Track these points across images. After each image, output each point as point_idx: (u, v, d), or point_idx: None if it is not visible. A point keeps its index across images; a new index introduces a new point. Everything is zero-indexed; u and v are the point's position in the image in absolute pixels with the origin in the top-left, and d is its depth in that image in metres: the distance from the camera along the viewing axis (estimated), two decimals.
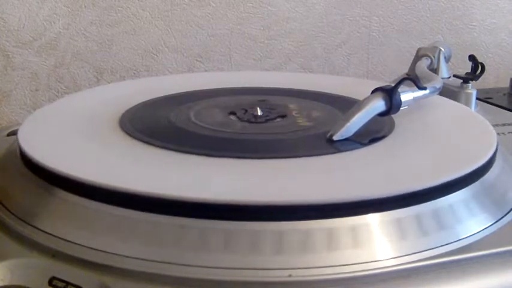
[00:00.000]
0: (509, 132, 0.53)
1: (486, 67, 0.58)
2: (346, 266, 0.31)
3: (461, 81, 0.58)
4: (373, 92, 0.43)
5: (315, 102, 0.51)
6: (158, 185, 0.34)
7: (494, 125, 0.45)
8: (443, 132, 0.44)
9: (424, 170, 0.37)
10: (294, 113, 0.48)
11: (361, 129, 0.42)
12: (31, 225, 0.34)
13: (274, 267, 0.30)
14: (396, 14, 0.81)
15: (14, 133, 0.46)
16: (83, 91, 0.66)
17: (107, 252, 0.32)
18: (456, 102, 0.53)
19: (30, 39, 0.69)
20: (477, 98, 0.58)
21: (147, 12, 0.72)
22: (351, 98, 0.51)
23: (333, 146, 0.40)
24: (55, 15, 0.69)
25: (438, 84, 0.50)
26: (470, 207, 0.35)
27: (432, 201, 0.34)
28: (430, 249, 0.32)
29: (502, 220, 0.36)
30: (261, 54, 0.77)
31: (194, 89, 0.55)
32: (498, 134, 0.43)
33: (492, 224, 0.35)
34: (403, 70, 0.65)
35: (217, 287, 0.30)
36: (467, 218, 0.35)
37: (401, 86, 0.44)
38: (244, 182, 0.35)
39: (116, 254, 0.31)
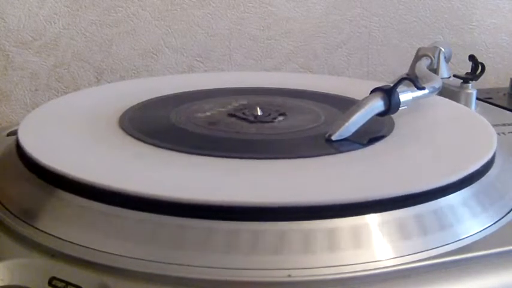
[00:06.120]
0: (509, 132, 0.53)
1: (486, 67, 0.58)
2: (346, 266, 0.31)
3: (461, 81, 0.58)
4: (372, 92, 0.43)
5: (315, 102, 0.51)
6: (158, 186, 0.34)
7: (494, 125, 0.45)
8: (443, 132, 0.44)
9: (424, 170, 0.37)
10: (293, 113, 0.48)
11: (361, 129, 0.42)
12: (31, 225, 0.34)
13: (274, 267, 0.30)
14: (396, 14, 0.81)
15: (14, 133, 0.46)
16: (82, 90, 0.66)
17: (107, 252, 0.32)
18: (456, 103, 0.53)
19: (30, 39, 0.68)
20: (477, 98, 0.58)
21: (147, 12, 0.72)
22: (350, 98, 0.51)
23: (331, 146, 0.40)
24: (55, 15, 0.69)
25: (437, 84, 0.50)
26: (470, 208, 0.35)
27: (432, 201, 0.34)
28: (430, 249, 0.32)
29: (502, 220, 0.36)
30: (261, 54, 0.77)
31: (194, 89, 0.55)
32: (498, 134, 0.43)
33: (492, 224, 0.35)
34: (403, 70, 0.65)
35: (217, 287, 0.30)
36: (467, 218, 0.35)
37: (401, 86, 0.44)
38: (243, 183, 0.35)
39: (116, 254, 0.31)
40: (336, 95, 0.54)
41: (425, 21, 0.83)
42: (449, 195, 0.35)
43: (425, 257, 0.32)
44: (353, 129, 0.41)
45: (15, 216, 0.36)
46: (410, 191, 0.34)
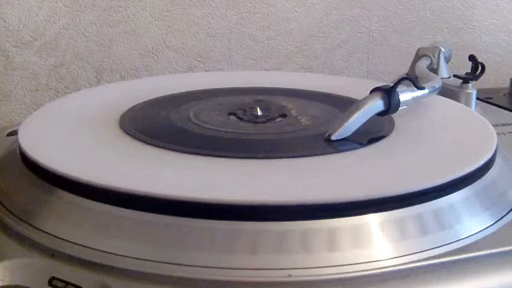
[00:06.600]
0: (509, 132, 0.53)
1: (486, 67, 0.58)
2: (346, 266, 0.31)
3: (461, 81, 0.58)
4: (371, 91, 0.43)
5: (315, 102, 0.51)
6: (158, 185, 0.34)
7: (494, 125, 0.45)
8: (443, 132, 0.44)
9: (424, 170, 0.37)
10: (293, 113, 0.48)
11: (361, 129, 0.42)
12: (31, 225, 0.34)
13: (274, 267, 0.30)
14: (396, 14, 0.81)
15: (14, 133, 0.46)
16: (82, 91, 0.66)
17: (107, 252, 0.32)
18: (456, 102, 0.53)
19: (30, 39, 0.69)
20: (477, 98, 0.58)
21: (147, 12, 0.72)
22: (350, 98, 0.51)
23: (331, 146, 0.40)
24: (55, 15, 0.69)
25: (437, 84, 0.50)
26: (470, 207, 0.35)
27: (432, 201, 0.34)
28: (430, 249, 0.32)
29: (502, 220, 0.36)
30: (261, 54, 0.77)
31: (194, 89, 0.55)
32: (498, 134, 0.43)
33: (492, 224, 0.35)
34: (403, 70, 0.65)
35: (218, 287, 0.30)
36: (467, 218, 0.35)
37: (401, 86, 0.44)
38: (243, 182, 0.35)
39: (116, 254, 0.31)
40: (336, 95, 0.54)
41: (425, 21, 0.83)
42: (449, 195, 0.35)
43: (425, 257, 0.32)
44: (353, 129, 0.41)
45: (15, 216, 0.36)
46: (410, 191, 0.34)
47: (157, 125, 0.45)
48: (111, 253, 0.32)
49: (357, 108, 0.42)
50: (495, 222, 0.36)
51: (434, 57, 0.62)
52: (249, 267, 0.30)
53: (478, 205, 0.36)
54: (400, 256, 0.32)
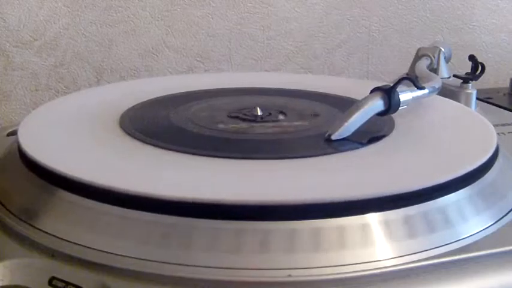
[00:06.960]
0: (509, 132, 0.53)
1: (486, 67, 0.58)
2: (345, 266, 0.31)
3: (461, 81, 0.58)
4: (371, 91, 0.43)
5: (315, 103, 0.51)
6: (158, 185, 0.34)
7: (494, 125, 0.45)
8: (443, 132, 0.44)
9: (424, 169, 0.37)
10: (293, 113, 0.48)
11: (361, 129, 0.42)
12: (31, 225, 0.34)
13: (275, 267, 0.30)
14: (396, 14, 0.81)
15: (14, 133, 0.46)
16: (82, 91, 0.66)
17: (107, 252, 0.32)
18: (456, 102, 0.53)
19: (30, 39, 0.69)
20: (477, 98, 0.58)
21: (147, 12, 0.72)
22: (350, 98, 0.51)
23: (331, 146, 0.40)
24: (55, 15, 0.69)
25: (437, 84, 0.50)
26: (470, 207, 0.35)
27: (432, 201, 0.34)
28: (430, 249, 0.32)
29: (502, 220, 0.36)
30: (261, 54, 0.77)
31: (194, 89, 0.55)
32: (498, 134, 0.43)
33: (492, 224, 0.35)
34: (403, 70, 0.65)
35: (218, 287, 0.30)
36: (467, 218, 0.35)
37: (401, 85, 0.44)
38: (244, 182, 0.35)
39: (116, 254, 0.31)
40: (336, 95, 0.54)
41: (425, 21, 0.83)
42: (449, 195, 0.35)
43: (426, 256, 0.32)
44: (353, 129, 0.41)
45: (15, 216, 0.36)
46: (410, 190, 0.34)
47: (157, 125, 0.45)
48: (111, 253, 0.32)
49: (357, 108, 0.42)
50: (495, 222, 0.36)
51: (434, 57, 0.62)
52: (250, 267, 0.30)
53: (478, 205, 0.36)
54: (400, 256, 0.32)
